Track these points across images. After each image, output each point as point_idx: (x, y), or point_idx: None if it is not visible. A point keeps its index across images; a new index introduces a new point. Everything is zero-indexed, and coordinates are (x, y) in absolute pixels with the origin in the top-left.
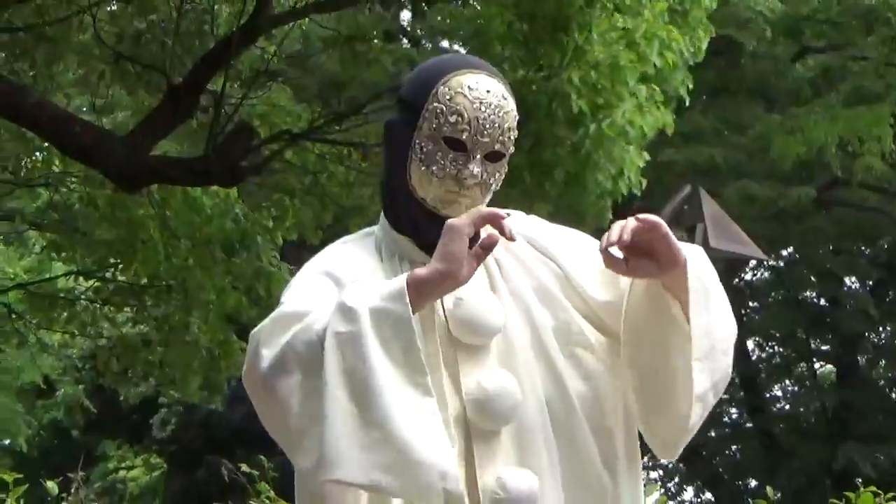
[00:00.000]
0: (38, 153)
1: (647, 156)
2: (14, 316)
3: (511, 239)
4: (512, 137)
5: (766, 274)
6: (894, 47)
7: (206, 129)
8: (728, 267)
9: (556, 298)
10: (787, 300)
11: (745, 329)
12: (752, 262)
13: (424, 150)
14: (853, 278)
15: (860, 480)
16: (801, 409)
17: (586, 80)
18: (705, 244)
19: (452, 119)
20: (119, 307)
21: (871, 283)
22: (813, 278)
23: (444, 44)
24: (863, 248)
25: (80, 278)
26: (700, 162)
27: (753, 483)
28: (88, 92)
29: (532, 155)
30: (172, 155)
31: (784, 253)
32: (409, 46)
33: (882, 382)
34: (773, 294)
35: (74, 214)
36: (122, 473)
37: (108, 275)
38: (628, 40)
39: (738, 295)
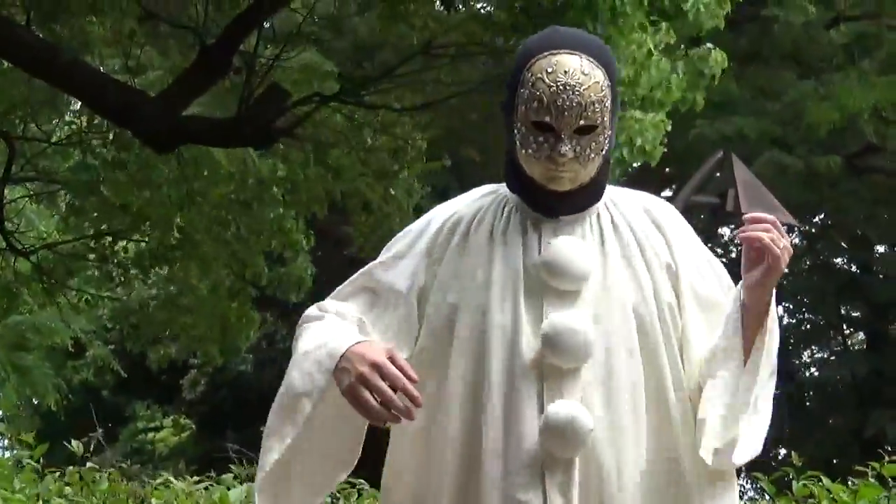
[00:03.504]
0: (69, 113)
1: (668, 127)
2: (44, 276)
3: (413, 380)
4: (601, 107)
5: (797, 240)
6: None
7: (238, 90)
8: None
9: (660, 270)
10: (818, 266)
11: (775, 295)
12: (784, 228)
13: (521, 132)
14: (884, 245)
15: (889, 448)
16: (831, 376)
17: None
18: (737, 209)
19: (534, 105)
20: (143, 270)
21: None
22: (844, 244)
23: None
24: (895, 214)
25: (107, 238)
26: (730, 133)
27: (783, 452)
28: (121, 52)
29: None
30: (204, 115)
31: (815, 219)
32: (441, 8)
33: None
34: (804, 260)
35: (96, 178)
36: (150, 435)
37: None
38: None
39: None
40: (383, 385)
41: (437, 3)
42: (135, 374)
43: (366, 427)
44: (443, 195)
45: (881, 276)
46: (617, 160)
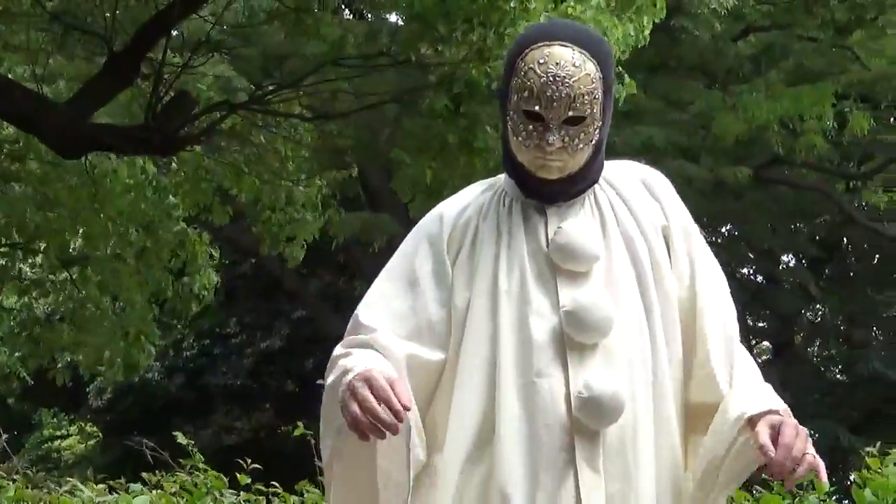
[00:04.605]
0: None
1: None
2: None
3: (404, 411)
4: (590, 99)
5: None
6: (838, 28)
7: (146, 97)
8: None
9: (656, 237)
10: (725, 277)
11: None
12: None
13: (513, 120)
14: (790, 256)
15: None
16: None
17: None
18: None
19: (525, 94)
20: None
21: (808, 261)
22: (751, 255)
23: (392, 17)
24: (801, 226)
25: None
26: (637, 143)
27: None
28: (29, 60)
29: (467, 133)
30: (112, 123)
31: (722, 230)
32: (351, 18)
33: (817, 360)
34: None
35: None
36: (57, 442)
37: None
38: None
39: None
40: (369, 395)
41: (346, 12)
42: (41, 381)
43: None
44: (352, 202)
45: (787, 288)
46: None
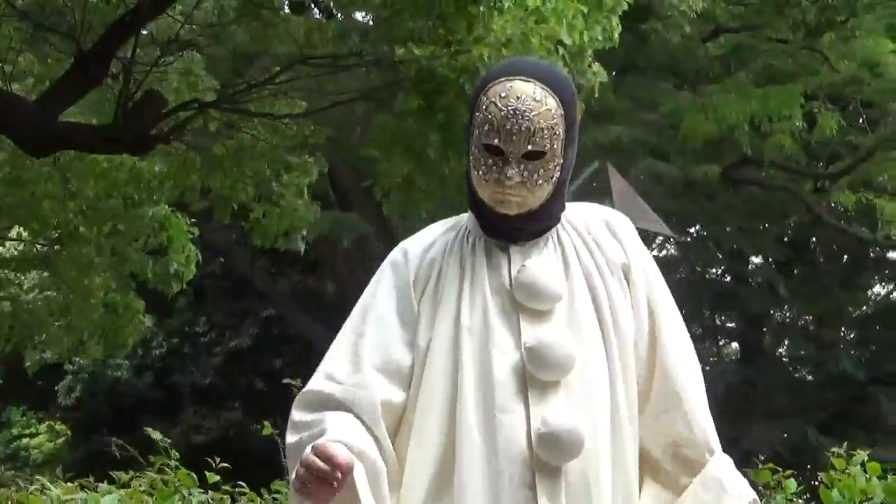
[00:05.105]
0: None
1: None
2: None
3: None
4: (550, 134)
5: (673, 250)
6: (808, 30)
7: (116, 96)
8: None
9: (615, 277)
10: (694, 277)
11: None
12: (659, 239)
13: (473, 155)
14: (759, 256)
15: (762, 458)
16: (705, 386)
17: (496, 57)
18: None
19: (486, 128)
20: (21, 271)
21: (776, 261)
22: (719, 255)
23: (359, 15)
24: (770, 226)
25: None
26: (607, 142)
27: None
28: None
29: (443, 131)
30: (82, 122)
31: (691, 230)
32: (320, 17)
33: (785, 360)
34: (679, 271)
35: None
36: (25, 441)
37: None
38: (538, 18)
39: None
40: (313, 457)
41: (316, 12)
42: (10, 379)
43: None
44: (321, 201)
45: (755, 287)
46: None
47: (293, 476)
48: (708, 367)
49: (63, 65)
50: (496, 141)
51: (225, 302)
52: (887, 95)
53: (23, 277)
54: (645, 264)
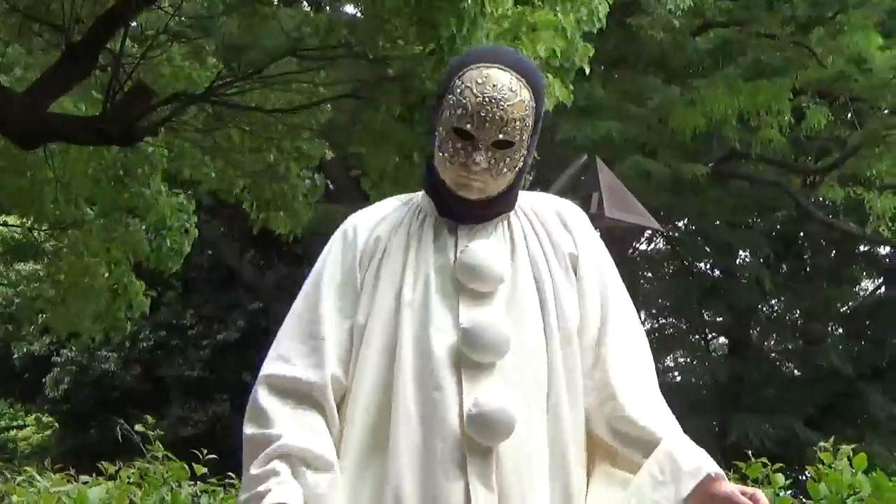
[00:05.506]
0: None
1: (534, 155)
2: None
3: None
4: (521, 126)
5: (661, 245)
6: (797, 25)
7: (105, 88)
8: (623, 237)
9: (562, 265)
10: (682, 271)
11: (638, 299)
12: (647, 233)
13: (441, 136)
14: (747, 251)
15: (751, 452)
16: (693, 381)
17: None
18: (601, 213)
19: (459, 112)
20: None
21: (764, 256)
22: (708, 250)
23: (348, 8)
24: (758, 220)
25: None
26: (596, 137)
27: None
28: None
29: (424, 138)
30: (71, 113)
31: (679, 224)
32: (309, 10)
33: (773, 355)
34: (667, 265)
35: None
36: (13, 433)
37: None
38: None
39: (632, 265)
40: None
41: (305, 4)
42: None
43: None
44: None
45: (743, 282)
46: None
47: (252, 484)
48: (695, 362)
49: (52, 56)
50: (468, 126)
51: (212, 295)
52: (875, 91)
53: (21, 265)
54: (597, 256)
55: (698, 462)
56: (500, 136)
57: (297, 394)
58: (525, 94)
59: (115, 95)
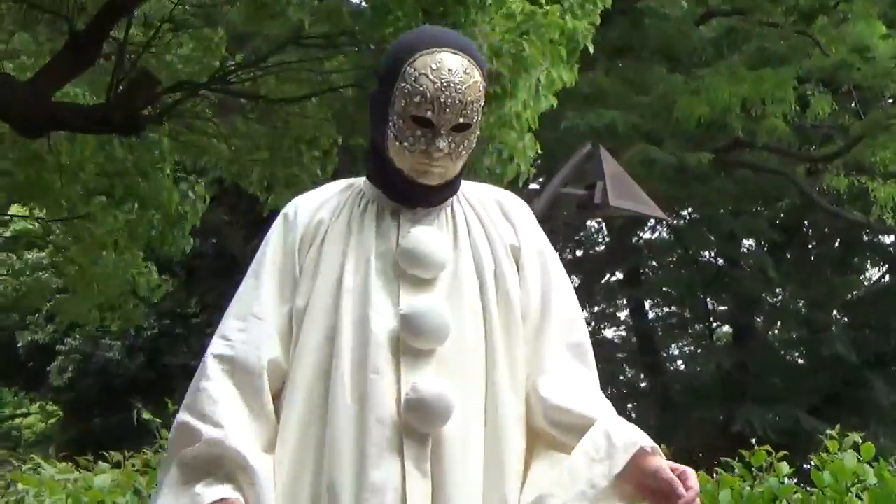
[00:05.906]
0: None
1: (538, 149)
2: None
3: None
4: (477, 107)
5: (665, 233)
6: (801, 14)
7: (109, 76)
8: (627, 225)
9: (504, 253)
10: (686, 260)
11: (642, 288)
12: (651, 221)
13: (397, 125)
14: (751, 239)
15: (755, 441)
16: (697, 370)
17: (488, 69)
18: (605, 201)
19: (417, 99)
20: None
21: (768, 244)
22: (712, 238)
23: None
24: (762, 209)
25: None
26: (600, 126)
27: None
28: None
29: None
30: (75, 101)
31: (683, 213)
32: None
33: (778, 344)
34: (671, 253)
35: None
36: (17, 420)
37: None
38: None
39: (636, 254)
40: None
41: None
42: (2, 360)
43: None
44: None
45: (747, 271)
46: (497, 175)
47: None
48: (700, 351)
49: (56, 45)
50: (428, 114)
51: (216, 283)
52: (879, 79)
53: (30, 256)
54: (540, 246)
55: (633, 437)
56: (461, 119)
57: (236, 375)
58: (477, 76)
59: (119, 84)
